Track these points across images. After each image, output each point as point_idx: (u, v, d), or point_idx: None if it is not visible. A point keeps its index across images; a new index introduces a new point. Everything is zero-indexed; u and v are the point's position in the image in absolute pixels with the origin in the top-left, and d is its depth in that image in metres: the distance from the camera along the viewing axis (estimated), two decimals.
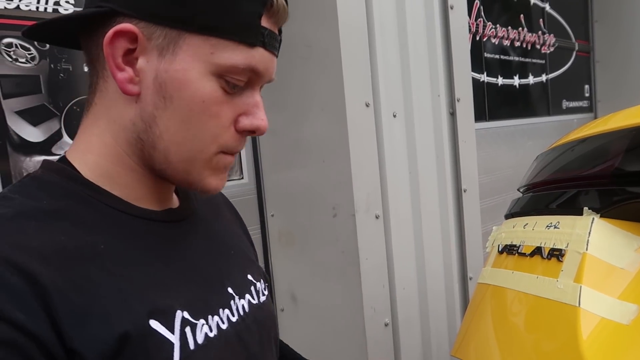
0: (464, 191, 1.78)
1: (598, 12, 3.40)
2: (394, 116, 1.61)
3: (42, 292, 0.44)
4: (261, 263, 1.67)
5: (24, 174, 1.17)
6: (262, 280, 0.70)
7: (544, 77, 3.00)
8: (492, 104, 2.55)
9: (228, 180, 1.57)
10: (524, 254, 0.69)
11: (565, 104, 3.21)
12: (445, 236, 1.74)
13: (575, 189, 0.68)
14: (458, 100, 1.79)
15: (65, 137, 1.20)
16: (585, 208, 0.64)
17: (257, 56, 0.54)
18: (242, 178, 1.64)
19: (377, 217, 1.50)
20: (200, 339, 0.53)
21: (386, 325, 1.52)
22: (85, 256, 0.49)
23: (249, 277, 0.67)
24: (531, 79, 2.90)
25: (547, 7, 3.03)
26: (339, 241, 1.49)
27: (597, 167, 0.65)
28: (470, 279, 1.79)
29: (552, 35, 3.06)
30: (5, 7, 1.10)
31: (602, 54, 3.40)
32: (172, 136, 0.54)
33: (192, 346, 0.52)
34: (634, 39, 3.24)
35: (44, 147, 1.17)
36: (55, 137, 1.19)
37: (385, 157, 1.56)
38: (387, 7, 1.59)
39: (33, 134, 1.16)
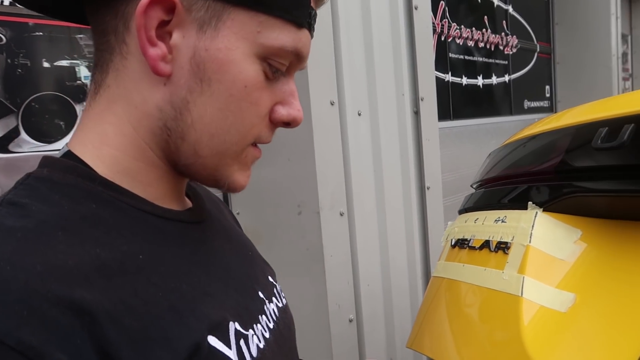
0: (428, 189, 1.82)
1: (558, 14, 3.51)
2: (359, 115, 1.63)
3: (91, 323, 0.36)
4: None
5: None
6: (277, 282, 0.66)
7: (506, 78, 3.09)
8: (456, 103, 2.61)
9: None
10: (474, 248, 0.72)
11: (527, 104, 3.30)
12: (409, 233, 1.78)
13: (523, 184, 0.71)
14: (422, 99, 1.82)
15: (23, 134, 1.17)
16: (530, 203, 0.67)
17: (304, 38, 0.49)
18: None
19: (341, 215, 1.52)
20: (254, 351, 0.48)
21: (350, 321, 1.54)
22: (128, 270, 0.41)
23: (270, 279, 0.62)
24: (494, 79, 2.97)
25: (510, 9, 3.11)
26: (304, 239, 1.50)
27: (543, 163, 0.68)
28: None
29: (514, 36, 3.14)
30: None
31: (562, 55, 3.51)
32: (206, 126, 0.47)
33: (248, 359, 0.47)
34: (592, 41, 3.36)
35: (1, 144, 1.14)
36: (12, 135, 1.16)
37: (350, 155, 1.58)
38: (352, 6, 1.60)
39: None
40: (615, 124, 0.58)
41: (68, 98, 1.22)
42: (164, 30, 0.45)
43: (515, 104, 3.16)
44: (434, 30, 2.43)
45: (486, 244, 0.70)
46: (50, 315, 0.34)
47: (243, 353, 0.46)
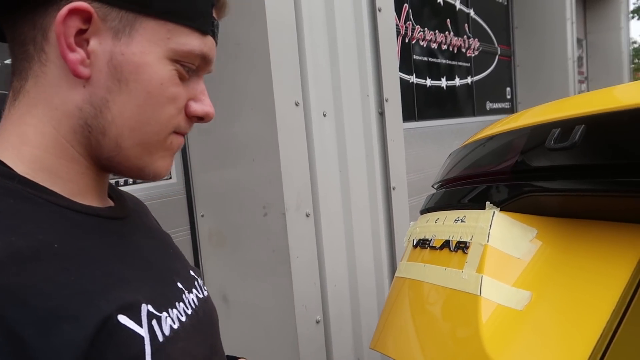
0: (393, 189, 1.83)
1: (518, 18, 3.61)
2: (324, 115, 1.63)
3: None
4: (191, 264, 1.64)
5: None
6: (199, 278, 0.71)
7: (469, 80, 3.15)
8: (420, 105, 2.64)
9: (155, 181, 1.54)
10: (434, 247, 0.73)
11: (489, 105, 3.38)
12: (375, 233, 1.79)
13: (482, 184, 0.73)
14: (386, 101, 1.84)
15: None
16: (487, 202, 0.68)
17: (209, 44, 0.55)
18: (170, 178, 1.61)
19: (307, 216, 1.52)
20: (166, 331, 0.53)
21: (317, 322, 1.53)
22: (42, 257, 0.45)
23: (191, 272, 0.68)
24: (457, 81, 3.03)
25: (472, 12, 3.18)
26: (269, 240, 1.49)
27: (501, 163, 0.69)
28: None
29: (476, 39, 3.21)
30: None
31: (521, 58, 3.61)
32: (126, 120, 0.52)
33: (160, 338, 0.51)
34: (549, 45, 3.47)
35: None
36: None
37: (316, 156, 1.58)
38: (316, 6, 1.60)
39: None
40: (567, 125, 0.60)
41: None
42: (81, 38, 0.51)
43: (477, 105, 3.23)
44: (399, 33, 2.46)
45: (446, 244, 0.70)
46: None
47: (155, 331, 0.51)
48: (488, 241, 0.64)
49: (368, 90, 1.79)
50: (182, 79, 0.55)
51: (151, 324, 0.51)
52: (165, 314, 0.53)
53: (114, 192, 0.65)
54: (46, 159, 0.52)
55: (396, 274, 0.84)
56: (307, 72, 1.56)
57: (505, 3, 3.62)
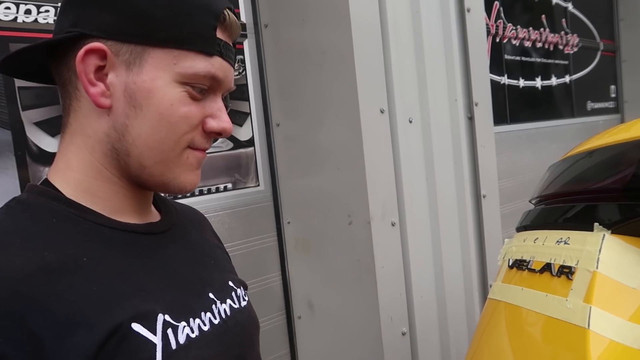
0: (484, 197, 1.75)
1: (623, 10, 3.31)
2: (410, 122, 1.59)
3: (22, 310, 0.47)
4: (278, 270, 1.67)
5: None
6: (242, 287, 0.73)
7: (567, 78, 2.93)
8: (513, 107, 2.50)
9: (244, 188, 1.59)
10: (533, 270, 0.67)
11: (590, 105, 3.13)
12: (464, 243, 1.72)
13: (586, 202, 0.66)
14: (476, 105, 1.76)
15: None
16: (596, 224, 0.62)
17: (216, 64, 0.60)
18: (258, 185, 1.65)
19: (393, 225, 1.49)
20: (182, 339, 0.56)
21: (403, 334, 1.50)
22: (69, 269, 0.51)
23: (230, 283, 0.70)
24: (554, 80, 2.83)
25: (570, 6, 2.96)
26: (354, 249, 1.47)
27: (609, 179, 0.63)
28: (491, 286, 1.76)
29: (575, 35, 2.99)
30: (23, 21, 1.13)
31: (628, 53, 3.30)
32: (144, 141, 0.58)
33: (173, 346, 0.55)
34: None
35: None
36: None
37: (402, 163, 1.54)
38: (401, 11, 1.57)
39: (51, 144, 1.19)
40: None
41: None
42: (102, 73, 0.58)
43: (577, 105, 3.00)
44: (488, 32, 2.35)
45: (547, 267, 0.65)
46: None
47: (169, 339, 0.55)
48: (597, 267, 0.58)
49: (456, 94, 1.72)
50: (194, 98, 0.59)
51: (166, 332, 0.54)
52: (183, 323, 0.57)
53: (163, 207, 0.71)
54: (86, 182, 0.59)
55: (490, 295, 0.79)
56: (392, 79, 1.53)
57: None
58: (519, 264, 0.72)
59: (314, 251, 1.60)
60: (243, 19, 1.60)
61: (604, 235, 0.60)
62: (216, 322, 0.62)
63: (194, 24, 0.58)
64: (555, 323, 0.60)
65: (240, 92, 1.61)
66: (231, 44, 0.63)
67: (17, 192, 1.11)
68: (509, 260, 0.75)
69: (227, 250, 0.84)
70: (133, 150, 0.58)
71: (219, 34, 0.60)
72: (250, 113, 1.62)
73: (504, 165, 2.28)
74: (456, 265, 1.69)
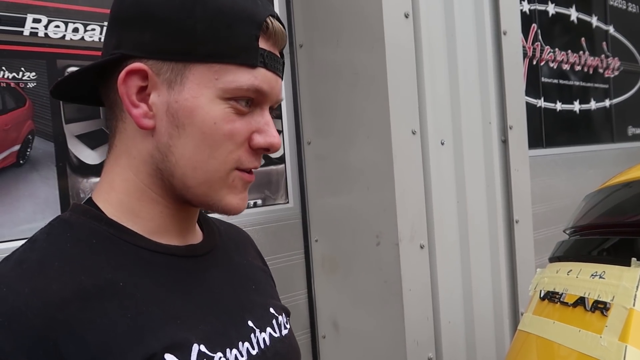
0: (516, 222, 1.71)
1: None
2: (442, 144, 1.58)
3: (56, 338, 0.46)
4: (304, 288, 1.67)
5: (80, 195, 1.24)
6: (283, 314, 0.70)
7: (607, 102, 2.86)
8: (549, 130, 2.45)
9: (274, 205, 1.60)
10: (566, 304, 0.65)
11: (631, 130, 3.04)
12: (495, 268, 1.68)
13: (623, 235, 0.64)
14: (510, 128, 1.73)
15: None
16: (634, 259, 0.59)
17: (260, 76, 0.57)
18: (288, 202, 1.66)
19: (421, 247, 1.47)
20: None
21: (430, 359, 1.47)
22: (104, 294, 0.51)
23: (271, 310, 0.68)
24: (593, 104, 2.76)
25: (611, 29, 2.90)
26: (382, 270, 1.46)
27: None
28: (522, 314, 1.71)
29: (616, 58, 2.92)
30: (71, 39, 1.18)
31: None
32: (188, 161, 0.56)
33: None
34: None
35: (100, 169, 1.23)
36: None
37: (432, 185, 1.53)
38: (436, 33, 1.57)
39: (91, 156, 1.23)
40: None
41: None
42: (145, 94, 0.57)
43: (617, 130, 2.91)
44: (525, 54, 2.32)
45: (581, 302, 0.63)
46: (23, 328, 0.46)
47: None
48: (634, 305, 0.55)
49: (490, 117, 1.70)
50: (240, 113, 0.57)
51: None
52: (219, 354, 0.55)
53: (206, 226, 0.69)
54: (129, 202, 0.59)
55: (520, 327, 0.77)
56: (425, 100, 1.53)
57: None
58: (551, 296, 0.69)
59: (340, 270, 1.60)
60: None
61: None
62: (254, 352, 0.60)
63: (235, 35, 0.55)
64: (588, 359, 0.58)
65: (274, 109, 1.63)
66: (277, 54, 0.60)
67: (56, 202, 1.15)
68: (540, 291, 0.73)
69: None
70: (177, 170, 0.57)
71: (262, 44, 0.57)
72: (282, 131, 1.64)
73: (539, 190, 2.22)
74: (486, 291, 1.65)
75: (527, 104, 2.30)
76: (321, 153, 1.63)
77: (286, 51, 1.66)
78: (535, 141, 2.30)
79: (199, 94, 0.55)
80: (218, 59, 0.55)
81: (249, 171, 0.60)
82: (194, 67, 0.55)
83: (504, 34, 1.74)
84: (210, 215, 0.75)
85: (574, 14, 2.66)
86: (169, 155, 0.57)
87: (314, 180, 1.67)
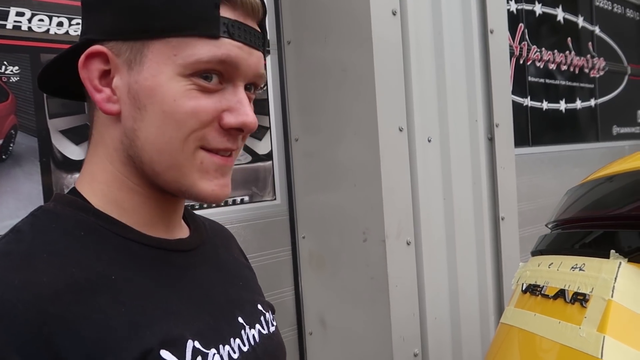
0: (502, 219, 1.72)
1: None
2: (429, 141, 1.58)
3: (49, 332, 0.44)
4: (291, 285, 1.67)
5: (64, 191, 1.23)
6: (270, 311, 0.70)
7: (592, 102, 2.89)
8: (535, 129, 2.47)
9: (261, 201, 1.60)
10: (547, 296, 0.66)
11: (615, 129, 3.07)
12: (481, 265, 1.69)
13: (604, 229, 0.65)
14: (497, 126, 1.75)
15: None
16: (612, 251, 0.60)
17: (224, 48, 0.52)
18: (275, 199, 1.66)
19: (408, 244, 1.48)
20: None
21: (415, 355, 1.47)
22: (97, 288, 0.49)
23: (259, 307, 0.67)
24: (579, 104, 2.80)
25: (597, 30, 2.93)
26: (368, 266, 1.47)
27: (627, 206, 0.61)
28: None
29: (601, 58, 2.95)
30: (55, 33, 1.17)
31: None
32: (152, 145, 0.53)
33: None
34: None
35: None
36: None
37: (419, 182, 1.54)
38: (423, 31, 1.58)
39: (75, 152, 1.21)
40: None
41: None
42: (109, 78, 0.54)
43: (602, 129, 2.95)
44: (512, 54, 2.34)
45: (561, 294, 0.63)
46: (15, 322, 0.43)
47: None
48: (612, 296, 0.56)
49: (477, 115, 1.71)
50: (206, 91, 0.53)
51: None
52: (213, 350, 0.53)
53: (192, 222, 0.66)
54: (111, 193, 0.56)
55: (502, 320, 0.77)
56: (412, 98, 1.53)
57: (638, 18, 3.30)
58: (533, 289, 0.70)
59: (327, 267, 1.60)
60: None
61: (620, 263, 0.59)
62: (245, 349, 0.59)
63: (192, 5, 0.51)
64: (568, 351, 0.59)
65: (260, 106, 1.63)
66: (251, 25, 0.55)
67: (39, 197, 1.14)
68: (522, 284, 0.74)
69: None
70: (144, 155, 0.54)
71: (227, 13, 0.52)
72: (270, 127, 1.64)
73: (525, 188, 2.24)
74: (472, 288, 1.67)
75: (514, 102, 2.32)
76: (309, 150, 1.63)
77: (274, 48, 1.66)
78: (521, 140, 2.32)
79: (158, 72, 0.52)
80: (175, 32, 0.51)
81: (223, 153, 0.55)
82: (152, 44, 0.52)
83: (491, 32, 1.75)
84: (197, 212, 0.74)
85: (560, 14, 2.68)
86: (135, 140, 0.54)
87: (302, 177, 1.67)
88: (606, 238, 0.64)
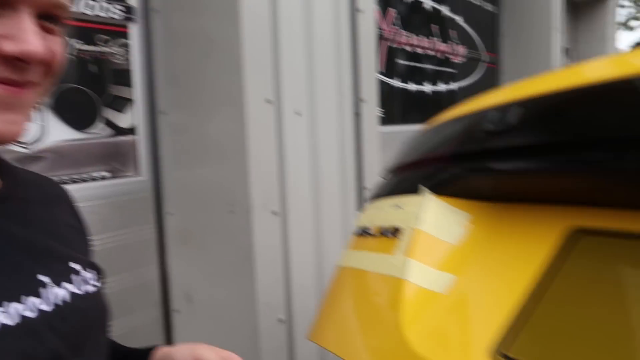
0: (366, 189, 1.81)
1: (505, 26, 3.62)
2: (297, 114, 1.61)
3: None
4: (155, 263, 1.61)
5: None
6: (90, 271, 0.65)
7: (455, 85, 3.15)
8: (404, 109, 2.63)
9: (123, 177, 1.51)
10: (373, 235, 0.71)
11: None
12: (347, 233, 1.76)
13: (424, 170, 0.71)
14: (363, 101, 1.82)
15: None
16: (420, 186, 0.66)
17: None
18: (139, 175, 1.58)
19: (274, 214, 1.49)
20: None
21: (280, 321, 1.50)
22: None
23: (72, 265, 0.62)
24: (443, 87, 3.02)
25: (460, 19, 3.19)
26: (235, 238, 1.46)
27: (440, 149, 0.67)
28: None
29: (463, 46, 3.21)
30: None
31: (507, 65, 3.62)
32: None
33: None
34: (534, 53, 3.48)
35: None
36: None
37: (287, 154, 1.55)
38: (293, 5, 1.59)
39: None
40: (501, 110, 0.58)
41: None
42: None
43: None
44: (382, 36, 2.46)
45: (384, 231, 0.68)
46: None
47: None
48: (418, 225, 0.61)
49: (344, 90, 1.77)
50: None
51: None
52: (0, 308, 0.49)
53: (9, 175, 0.61)
54: None
55: (337, 263, 0.81)
56: (281, 70, 1.54)
57: (496, 12, 3.63)
58: (363, 231, 0.75)
59: (195, 243, 1.56)
60: (132, 2, 1.54)
61: (425, 195, 0.64)
62: (48, 308, 0.54)
63: None
64: (383, 279, 0.63)
65: (122, 77, 1.54)
66: None
67: None
68: (356, 229, 0.78)
69: (91, 236, 0.74)
70: None
71: None
72: (132, 100, 1.56)
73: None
74: (337, 254, 1.73)
75: (384, 83, 2.45)
76: (177, 124, 1.58)
77: (141, 16, 1.57)
78: (390, 118, 2.45)
79: None
80: None
81: (7, 83, 0.50)
82: None
83: (359, 11, 1.82)
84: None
85: (429, 2, 2.88)
86: None
87: (170, 152, 1.60)
88: (423, 178, 0.70)
